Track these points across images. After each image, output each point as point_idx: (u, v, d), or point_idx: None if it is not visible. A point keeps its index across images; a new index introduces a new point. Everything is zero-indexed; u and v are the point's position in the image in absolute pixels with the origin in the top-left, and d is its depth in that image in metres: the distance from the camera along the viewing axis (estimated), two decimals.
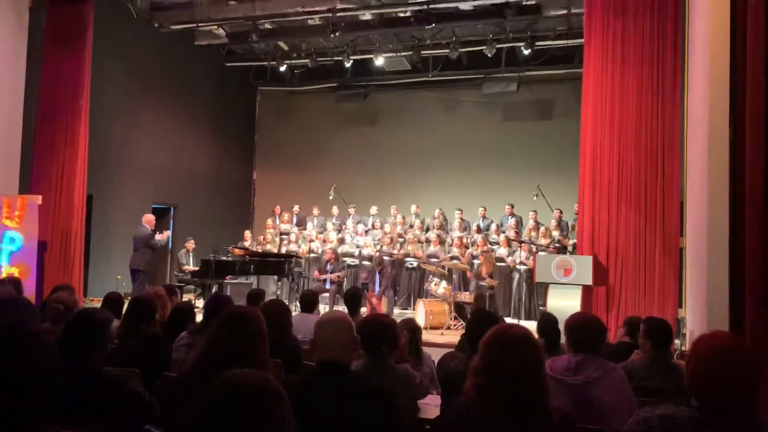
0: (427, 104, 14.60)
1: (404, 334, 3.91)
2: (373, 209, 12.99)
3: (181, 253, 11.28)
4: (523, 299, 10.33)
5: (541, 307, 9.97)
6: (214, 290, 9.85)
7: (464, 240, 11.26)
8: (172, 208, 13.49)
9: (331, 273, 10.66)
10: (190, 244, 11.32)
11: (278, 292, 11.80)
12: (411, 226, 12.19)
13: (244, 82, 15.29)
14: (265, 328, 2.49)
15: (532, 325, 4.86)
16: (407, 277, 11.42)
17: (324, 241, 12.08)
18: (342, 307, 10.06)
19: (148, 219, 10.03)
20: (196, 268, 10.43)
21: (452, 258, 10.80)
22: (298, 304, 5.82)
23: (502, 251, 10.77)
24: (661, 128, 7.57)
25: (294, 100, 15.66)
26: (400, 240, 11.71)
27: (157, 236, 9.80)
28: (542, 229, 10.81)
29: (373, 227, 12.40)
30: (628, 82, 7.76)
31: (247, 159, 16.00)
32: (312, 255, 11.74)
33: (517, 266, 10.39)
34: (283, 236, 12.47)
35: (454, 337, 8.47)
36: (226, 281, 10.21)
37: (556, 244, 10.62)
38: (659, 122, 7.58)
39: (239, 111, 15.52)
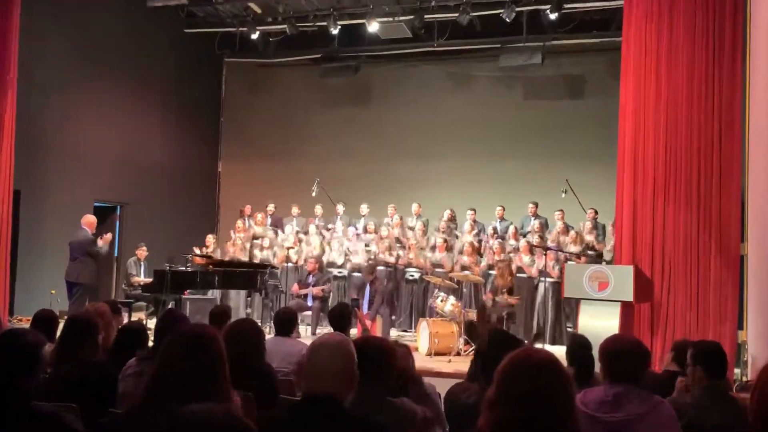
0: (431, 80, 14.62)
1: (410, 356, 3.95)
2: (364, 208, 13.00)
3: (130, 262, 11.24)
4: (549, 319, 10.33)
5: (570, 329, 9.98)
6: (169, 307, 9.82)
7: (478, 246, 11.26)
8: (118, 207, 13.47)
9: (313, 286, 10.66)
10: (141, 252, 11.28)
11: (248, 310, 11.80)
12: (412, 229, 12.20)
13: (207, 52, 15.28)
14: (224, 352, 2.48)
15: (560, 351, 4.86)
16: (407, 291, 11.42)
17: (305, 246, 12.06)
18: (327, 329, 10.11)
19: (89, 221, 9.99)
20: (149, 281, 10.41)
21: (462, 268, 10.81)
22: (272, 324, 5.80)
23: (523, 260, 10.78)
24: (718, 110, 7.60)
25: (269, 74, 15.64)
26: (399, 246, 11.72)
27: (99, 242, 9.77)
28: (572, 233, 10.83)
29: (366, 230, 12.40)
30: (678, 53, 7.79)
31: (210, 147, 15.99)
32: (290, 264, 11.73)
33: (542, 278, 10.40)
34: (255, 241, 12.47)
35: (464, 364, 8.44)
36: (184, 296, 10.19)
37: (590, 252, 10.63)
38: (716, 103, 7.61)
39: (202, 88, 15.51)
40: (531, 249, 10.74)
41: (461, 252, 11.17)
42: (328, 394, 2.44)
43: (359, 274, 11.24)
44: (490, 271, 10.72)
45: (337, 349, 2.55)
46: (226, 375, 2.44)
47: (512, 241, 11.36)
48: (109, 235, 10.08)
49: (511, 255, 10.82)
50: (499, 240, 11.22)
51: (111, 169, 13.01)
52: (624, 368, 3.09)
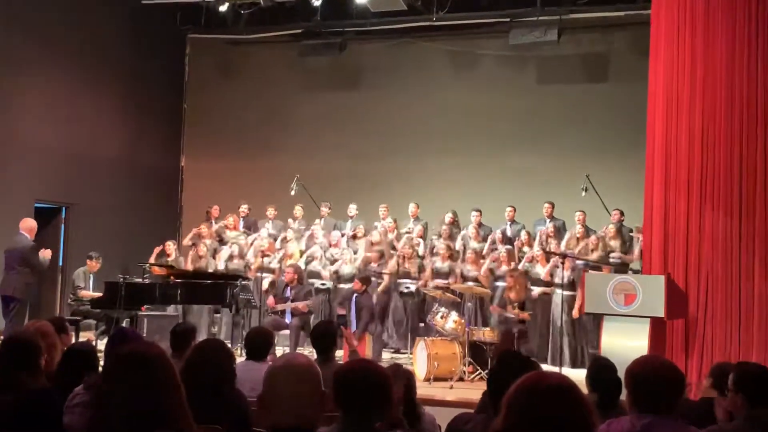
0: (430, 60, 14.63)
1: (399, 386, 3.92)
2: (353, 209, 12.99)
3: (78, 273, 11.19)
4: (568, 338, 10.35)
5: (592, 350, 10.01)
6: (122, 326, 9.81)
7: (484, 254, 11.28)
8: (63, 209, 13.40)
9: (292, 301, 10.64)
10: (95, 263, 11.22)
11: (215, 329, 11.77)
12: (408, 234, 12.20)
13: (168, 27, 15.25)
14: (175, 373, 2.48)
15: (580, 375, 4.87)
16: (402, 305, 11.42)
17: (283, 254, 12.05)
18: (309, 350, 10.09)
19: (29, 225, 9.94)
20: (99, 294, 10.36)
21: (465, 279, 10.81)
22: (243, 346, 5.81)
23: (537, 270, 10.80)
24: (764, 96, 7.64)
25: (239, 53, 15.63)
26: (393, 253, 11.73)
27: (41, 253, 9.74)
28: (593, 237, 10.88)
29: (355, 236, 12.40)
30: (717, 28, 7.83)
31: (172, 138, 15.95)
32: (266, 275, 11.71)
33: (558, 291, 10.42)
34: (224, 247, 12.44)
35: (468, 391, 8.47)
36: (141, 313, 10.16)
37: (615, 260, 10.66)
38: (762, 87, 7.65)
39: (161, 70, 15.47)
40: (547, 256, 10.75)
41: (465, 260, 11.19)
42: (296, 426, 2.42)
43: (347, 286, 11.26)
44: (497, 283, 10.73)
45: (300, 373, 2.55)
46: (182, 402, 2.43)
47: (525, 248, 11.38)
48: (48, 252, 10.02)
49: (528, 265, 10.83)
50: (508, 247, 11.23)
51: (54, 164, 12.95)
52: (655, 396, 3.09)
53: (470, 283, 10.58)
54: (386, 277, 11.38)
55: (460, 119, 14.32)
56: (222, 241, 12.68)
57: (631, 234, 11.07)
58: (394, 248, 11.88)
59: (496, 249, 11.37)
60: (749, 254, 7.60)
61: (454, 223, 12.31)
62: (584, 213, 11.47)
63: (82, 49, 13.42)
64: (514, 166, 13.78)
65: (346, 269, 11.59)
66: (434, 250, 11.61)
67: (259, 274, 11.67)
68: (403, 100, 14.69)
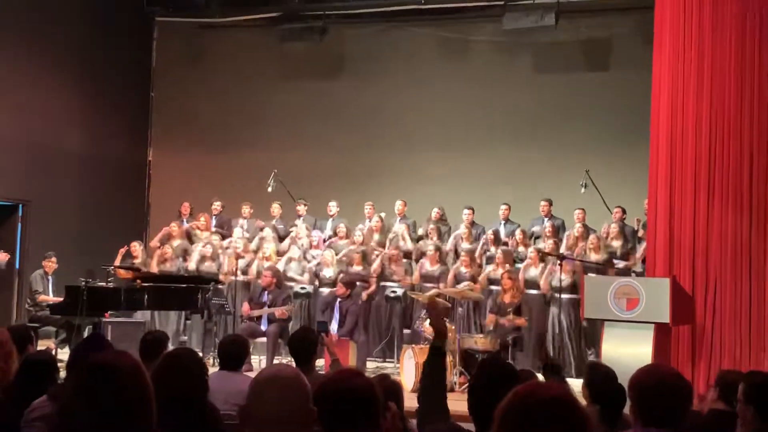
0: (418, 47, 14.62)
1: (390, 405, 3.90)
2: (333, 207, 12.95)
3: (35, 276, 11.13)
4: (568, 345, 10.36)
5: (591, 357, 10.03)
6: (86, 333, 9.74)
7: (477, 255, 11.29)
8: (20, 206, 13.32)
9: (270, 306, 10.61)
10: (50, 263, 11.16)
11: (185, 338, 11.72)
12: (394, 234, 12.21)
13: (134, 9, 15.18)
14: (150, 387, 2.47)
15: (578, 385, 4.88)
16: (387, 311, 11.42)
17: (259, 256, 12.02)
18: (287, 358, 10.06)
19: None
20: (60, 299, 10.30)
21: (459, 282, 10.82)
22: (217, 355, 5.78)
23: (532, 272, 10.82)
24: None
25: (212, 38, 15.56)
26: (377, 254, 11.72)
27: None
28: (593, 237, 10.91)
29: (337, 235, 12.38)
30: (726, 12, 7.85)
31: (138, 130, 15.87)
32: (240, 278, 11.68)
33: (556, 295, 10.44)
34: (196, 248, 12.40)
35: (459, 403, 8.43)
36: (105, 320, 10.09)
37: (616, 261, 10.69)
38: None
39: (127, 56, 15.39)
40: (542, 257, 10.77)
41: (456, 262, 11.20)
42: None
43: (328, 289, 11.24)
44: (491, 287, 10.75)
45: (288, 387, 2.54)
46: (152, 419, 2.42)
47: (520, 248, 11.40)
48: (5, 256, 9.97)
49: (519, 266, 10.87)
50: (503, 247, 11.25)
51: (9, 158, 12.85)
52: (661, 408, 3.10)
53: (463, 285, 10.54)
54: (372, 281, 11.37)
55: (451, 110, 14.32)
56: (191, 241, 12.63)
57: (635, 229, 11.09)
58: (377, 249, 11.85)
59: (489, 251, 11.39)
60: (760, 255, 7.64)
61: (441, 220, 12.29)
62: (583, 211, 11.49)
63: (39, 32, 13.32)
64: (508, 160, 13.79)
65: (327, 272, 11.57)
66: (423, 251, 11.62)
67: (233, 278, 11.63)
68: (389, 90, 14.67)
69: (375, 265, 11.49)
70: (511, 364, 4.00)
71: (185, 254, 12.31)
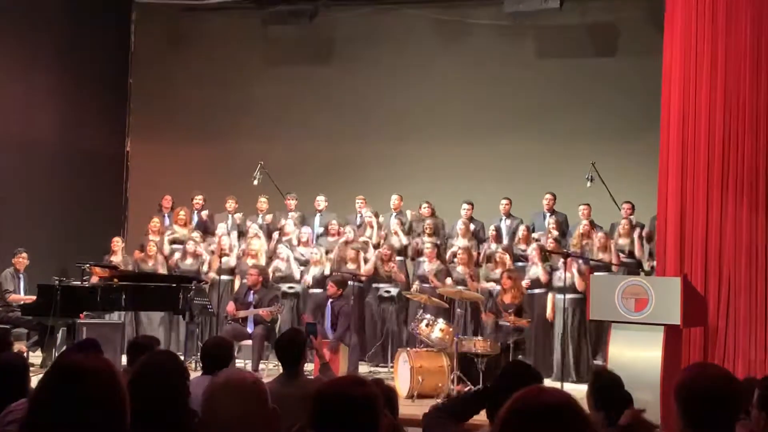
0: (414, 30, 14.61)
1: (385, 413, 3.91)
2: (321, 201, 12.91)
3: (6, 274, 11.11)
4: (571, 349, 10.36)
5: (596, 361, 10.04)
6: (59, 335, 9.74)
7: (476, 253, 11.31)
8: None
9: (255, 307, 10.61)
10: (21, 259, 11.15)
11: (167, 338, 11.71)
12: (385, 232, 12.19)
13: None
14: (123, 393, 2.46)
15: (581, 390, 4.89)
16: (379, 312, 11.42)
17: (244, 253, 12.00)
18: (274, 363, 10.06)
19: None
20: (32, 299, 10.29)
21: (456, 283, 10.82)
22: (200, 358, 5.76)
23: (535, 271, 10.81)
24: None
25: (194, 22, 15.53)
26: (365, 250, 11.72)
27: None
28: (600, 234, 10.93)
29: (327, 232, 12.38)
30: None
31: (116, 119, 15.83)
32: (224, 277, 11.67)
33: (560, 295, 10.44)
34: (177, 246, 12.41)
35: None
36: (80, 321, 10.07)
37: (625, 260, 10.70)
38: None
39: (103, 40, 15.34)
40: (544, 256, 10.75)
41: (454, 261, 11.22)
42: None
43: (319, 291, 11.24)
44: (490, 284, 10.74)
45: (242, 391, 2.54)
46: (125, 426, 2.42)
47: (521, 246, 11.42)
48: None
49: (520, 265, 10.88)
50: (502, 247, 11.21)
51: None
52: (714, 413, 3.08)
53: (461, 288, 10.55)
54: (364, 281, 11.37)
55: (448, 98, 14.31)
56: (173, 241, 12.60)
57: (645, 229, 11.10)
58: (365, 246, 11.82)
59: (489, 249, 11.40)
60: None
61: (433, 215, 12.25)
62: (589, 206, 11.51)
63: (9, 13, 13.28)
64: (510, 152, 13.79)
65: (316, 270, 11.57)
66: (420, 248, 11.63)
67: (214, 275, 11.62)
68: (383, 76, 14.67)
69: (369, 266, 11.47)
70: (535, 368, 3.99)
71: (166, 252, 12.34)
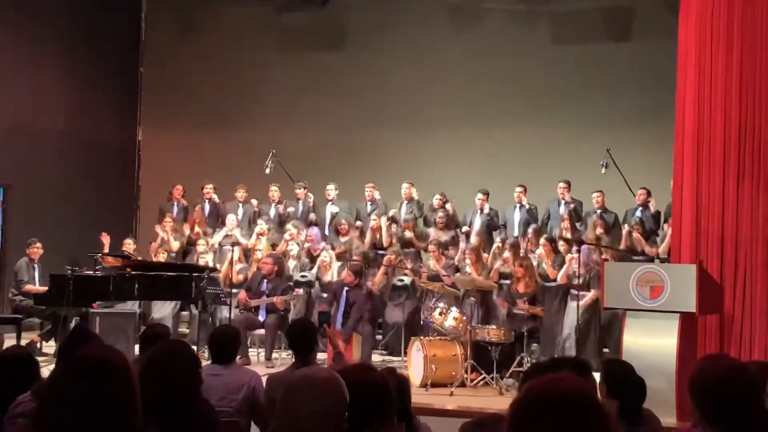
0: (426, 16, 14.57)
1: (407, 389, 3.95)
2: (331, 190, 12.85)
3: (20, 265, 11.16)
4: (592, 337, 10.22)
5: (606, 351, 10.02)
6: (73, 325, 9.77)
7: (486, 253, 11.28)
8: (1, 190, 13.34)
9: (269, 295, 10.62)
10: (36, 249, 11.19)
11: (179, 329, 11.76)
12: (395, 222, 12.11)
13: None
14: (135, 385, 2.46)
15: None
16: (394, 301, 11.40)
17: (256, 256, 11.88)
18: (286, 352, 10.05)
19: None
20: (44, 289, 10.32)
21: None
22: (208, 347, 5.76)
23: (544, 267, 10.73)
24: None
25: (205, 10, 15.52)
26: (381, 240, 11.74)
27: None
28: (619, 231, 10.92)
29: (338, 231, 12.29)
30: None
31: (127, 108, 15.85)
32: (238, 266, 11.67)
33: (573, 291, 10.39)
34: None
35: (470, 398, 8.48)
36: (93, 310, 10.10)
37: (639, 247, 10.66)
38: None
39: (115, 31, 15.35)
40: (554, 248, 10.63)
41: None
42: None
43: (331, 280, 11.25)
44: (504, 281, 10.67)
45: (324, 390, 2.54)
46: (137, 418, 2.42)
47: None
48: None
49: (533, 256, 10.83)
50: (513, 241, 11.14)
51: None
52: (731, 405, 3.08)
53: (474, 276, 10.50)
54: (380, 269, 11.28)
55: (461, 85, 14.27)
56: (188, 242, 12.59)
57: (661, 216, 11.04)
58: (376, 234, 11.81)
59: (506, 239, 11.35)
60: None
61: (444, 207, 12.20)
62: (602, 194, 11.47)
63: (19, 3, 13.29)
64: (523, 139, 13.77)
65: (329, 260, 11.54)
66: (435, 238, 11.60)
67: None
68: (395, 63, 14.63)
69: (378, 277, 11.26)
70: (584, 359, 3.97)
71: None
